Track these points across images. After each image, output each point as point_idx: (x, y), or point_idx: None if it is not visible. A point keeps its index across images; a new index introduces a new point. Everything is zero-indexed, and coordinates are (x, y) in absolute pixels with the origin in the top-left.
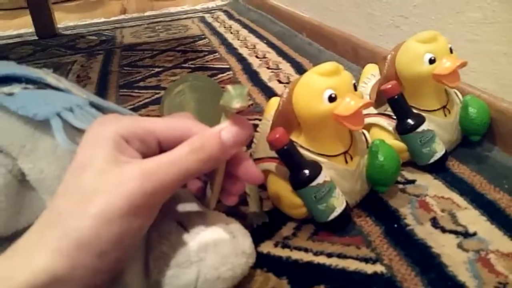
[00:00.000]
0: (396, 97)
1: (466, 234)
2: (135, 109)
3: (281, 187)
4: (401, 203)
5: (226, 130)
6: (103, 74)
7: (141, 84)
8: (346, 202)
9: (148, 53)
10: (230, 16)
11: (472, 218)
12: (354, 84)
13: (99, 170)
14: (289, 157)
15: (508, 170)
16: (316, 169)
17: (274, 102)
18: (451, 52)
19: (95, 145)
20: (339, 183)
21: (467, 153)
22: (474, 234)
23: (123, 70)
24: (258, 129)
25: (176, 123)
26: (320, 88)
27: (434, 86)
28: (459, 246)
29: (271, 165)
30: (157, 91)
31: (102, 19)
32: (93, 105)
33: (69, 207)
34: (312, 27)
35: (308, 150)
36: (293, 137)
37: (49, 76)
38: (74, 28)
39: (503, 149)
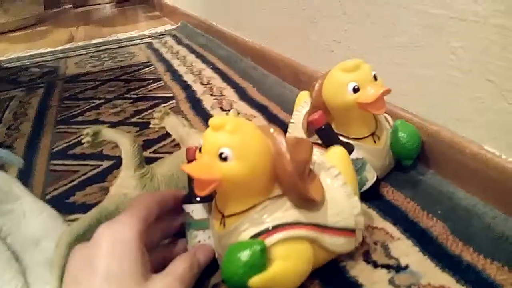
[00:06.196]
0: (322, 127)
1: (398, 268)
2: (70, 147)
3: None
4: None
5: (200, 252)
6: (41, 109)
7: (80, 119)
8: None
9: (90, 83)
10: (179, 41)
11: (404, 249)
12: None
13: (140, 279)
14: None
15: (442, 195)
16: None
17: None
18: (376, 79)
19: (121, 255)
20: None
21: (401, 178)
22: (406, 267)
23: (63, 104)
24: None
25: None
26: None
27: (361, 114)
28: (391, 282)
29: None
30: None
31: (47, 49)
32: None
33: None
34: (256, 52)
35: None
36: None
37: None
38: (17, 60)
39: (437, 172)
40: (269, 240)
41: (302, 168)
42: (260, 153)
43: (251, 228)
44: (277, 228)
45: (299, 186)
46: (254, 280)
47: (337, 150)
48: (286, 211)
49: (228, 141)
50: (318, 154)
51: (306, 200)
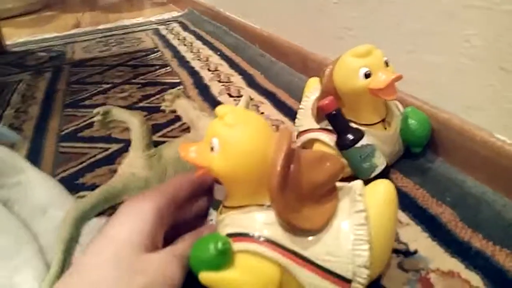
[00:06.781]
0: (333, 112)
1: (407, 253)
2: (79, 130)
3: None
4: None
5: (207, 232)
6: (49, 93)
7: (87, 102)
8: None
9: (98, 68)
10: (185, 28)
11: (413, 234)
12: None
13: (139, 250)
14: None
15: (451, 182)
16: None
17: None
18: (387, 65)
19: (132, 225)
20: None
21: (410, 164)
22: (415, 252)
23: (71, 88)
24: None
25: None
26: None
27: (371, 100)
28: (400, 266)
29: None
30: None
31: (54, 34)
32: None
33: (108, 275)
34: (263, 39)
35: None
36: None
37: None
38: (24, 44)
39: (445, 160)
40: (238, 246)
41: (309, 189)
42: (249, 155)
43: (230, 226)
44: (250, 237)
45: (279, 207)
46: (205, 275)
47: (382, 184)
48: (267, 225)
49: (219, 133)
50: (359, 183)
51: (287, 223)
